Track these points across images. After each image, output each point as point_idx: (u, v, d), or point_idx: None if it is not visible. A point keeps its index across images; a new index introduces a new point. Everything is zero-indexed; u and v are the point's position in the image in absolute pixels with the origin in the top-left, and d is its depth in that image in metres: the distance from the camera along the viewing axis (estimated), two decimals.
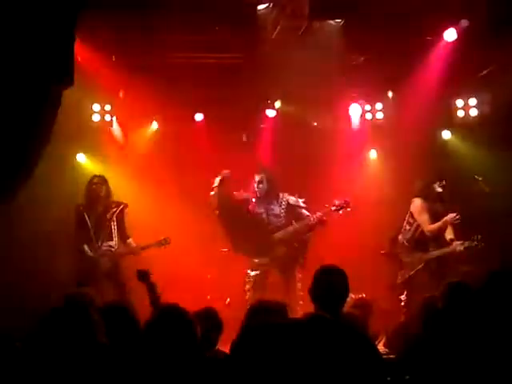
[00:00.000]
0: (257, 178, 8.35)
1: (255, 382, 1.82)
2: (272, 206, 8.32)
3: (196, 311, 3.80)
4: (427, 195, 7.98)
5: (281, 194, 8.35)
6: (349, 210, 8.20)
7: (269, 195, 8.33)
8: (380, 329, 6.38)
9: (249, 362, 1.85)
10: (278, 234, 8.21)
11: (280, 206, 8.32)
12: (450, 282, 4.83)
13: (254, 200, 8.40)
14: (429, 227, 7.93)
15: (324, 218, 8.18)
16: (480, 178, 8.14)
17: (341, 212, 8.16)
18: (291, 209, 8.29)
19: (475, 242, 7.65)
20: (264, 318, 3.91)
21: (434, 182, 7.97)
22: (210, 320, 4.65)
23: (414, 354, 4.20)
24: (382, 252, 8.38)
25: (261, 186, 8.32)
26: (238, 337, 1.82)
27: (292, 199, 8.34)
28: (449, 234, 7.94)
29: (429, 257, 7.90)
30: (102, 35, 8.21)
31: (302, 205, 8.32)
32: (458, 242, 7.78)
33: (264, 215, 8.31)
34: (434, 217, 7.95)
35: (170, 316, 3.01)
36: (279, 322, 1.88)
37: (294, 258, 8.20)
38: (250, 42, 8.52)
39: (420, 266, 7.91)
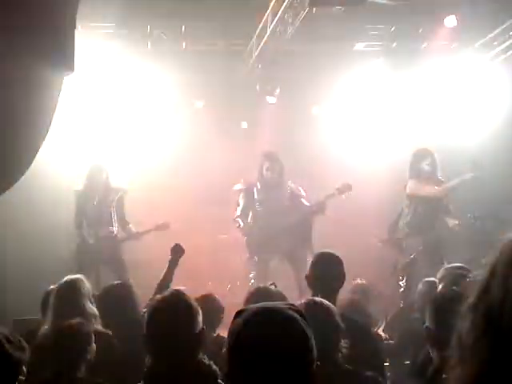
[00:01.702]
0: (266, 164, 8.20)
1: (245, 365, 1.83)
2: (277, 194, 8.20)
3: (197, 297, 3.83)
4: (418, 175, 7.96)
5: (285, 182, 8.28)
6: (350, 192, 8.15)
7: (277, 183, 8.21)
8: (379, 315, 6.43)
9: (236, 347, 1.87)
10: (281, 224, 8.16)
11: (284, 194, 8.26)
12: (449, 267, 4.86)
13: (258, 186, 8.32)
14: (440, 190, 7.87)
15: (323, 205, 8.14)
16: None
17: (344, 196, 8.11)
18: (294, 197, 8.25)
19: (472, 221, 7.69)
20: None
21: (420, 163, 7.95)
22: (211, 306, 4.70)
23: (413, 339, 4.24)
24: (383, 239, 8.37)
25: (269, 173, 8.19)
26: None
27: (294, 188, 8.29)
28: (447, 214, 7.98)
29: (427, 239, 7.93)
30: (101, 20, 8.21)
31: (303, 193, 8.30)
32: (455, 222, 7.83)
33: (268, 201, 8.21)
34: (428, 197, 7.92)
35: (172, 301, 3.04)
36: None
37: (300, 245, 8.06)
38: (251, 29, 8.51)
39: (419, 249, 7.92)
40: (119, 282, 5.58)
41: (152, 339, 2.97)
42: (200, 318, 2.99)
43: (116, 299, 4.81)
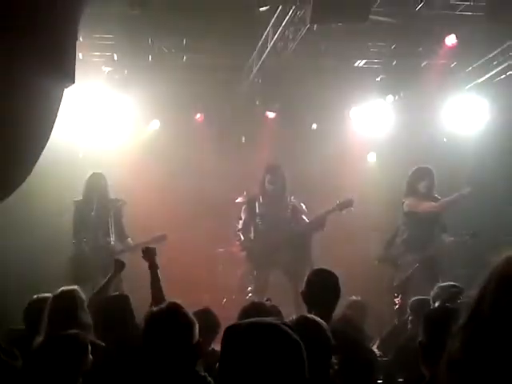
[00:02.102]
0: (268, 177, 8.18)
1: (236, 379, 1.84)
2: (278, 208, 8.18)
3: (194, 311, 3.84)
4: (414, 194, 7.99)
5: (288, 197, 8.26)
6: (352, 209, 8.13)
7: (279, 196, 8.19)
8: (374, 331, 6.42)
9: (227, 361, 1.88)
10: (282, 239, 8.15)
11: (286, 208, 8.24)
12: (443, 285, 4.87)
13: (260, 200, 8.30)
14: (436, 206, 7.90)
15: (323, 221, 8.14)
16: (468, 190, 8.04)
17: (343, 212, 8.11)
18: (295, 212, 8.24)
19: (466, 238, 7.70)
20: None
21: (417, 183, 7.98)
22: (207, 320, 4.70)
23: (406, 357, 4.23)
24: (379, 257, 8.36)
25: (271, 186, 8.17)
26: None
27: (297, 203, 8.28)
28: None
29: (423, 256, 7.93)
30: (101, 32, 8.25)
31: (304, 209, 8.29)
32: (451, 238, 7.85)
33: (270, 216, 8.19)
34: (425, 215, 7.94)
35: (169, 313, 3.05)
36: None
37: (299, 261, 7.99)
38: (251, 43, 8.55)
39: (415, 267, 7.92)
40: (116, 293, 5.59)
41: (149, 351, 2.98)
42: (196, 331, 3.01)
43: (113, 311, 4.81)
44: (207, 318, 4.73)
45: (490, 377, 1.14)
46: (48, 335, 4.30)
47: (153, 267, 5.07)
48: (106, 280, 5.57)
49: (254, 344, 1.81)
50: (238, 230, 8.38)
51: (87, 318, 4.58)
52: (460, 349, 1.20)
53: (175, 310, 3.05)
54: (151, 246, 5.39)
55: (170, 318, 3.01)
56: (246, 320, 1.96)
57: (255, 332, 1.85)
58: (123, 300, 5.03)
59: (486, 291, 1.19)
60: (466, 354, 1.18)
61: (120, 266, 5.86)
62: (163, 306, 3.14)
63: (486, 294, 1.19)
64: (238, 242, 8.47)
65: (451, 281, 5.21)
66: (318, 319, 3.39)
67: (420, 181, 7.97)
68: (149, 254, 5.16)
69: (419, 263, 7.84)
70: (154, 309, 3.23)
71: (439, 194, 8.06)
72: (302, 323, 3.26)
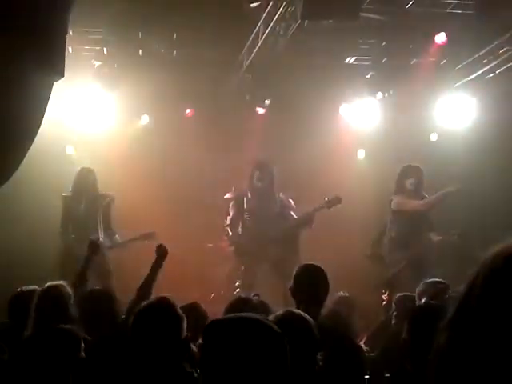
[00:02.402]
0: (256, 173, 8.20)
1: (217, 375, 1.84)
2: (267, 204, 8.21)
3: (182, 305, 3.84)
4: (402, 192, 8.05)
5: (276, 193, 8.28)
6: (339, 205, 8.16)
7: (267, 192, 8.21)
8: (361, 327, 6.44)
9: (209, 356, 1.88)
10: (270, 234, 8.15)
11: (275, 204, 8.25)
12: (428, 281, 4.89)
13: (249, 195, 8.29)
14: (424, 204, 7.98)
15: (311, 217, 8.15)
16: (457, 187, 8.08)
17: (331, 209, 8.13)
18: (284, 208, 8.25)
19: (453, 237, 7.75)
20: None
21: (405, 180, 8.03)
22: (196, 314, 4.70)
23: (393, 353, 4.25)
24: (367, 254, 8.39)
25: (260, 182, 8.19)
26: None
27: (285, 199, 8.30)
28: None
29: (411, 254, 7.97)
30: (92, 27, 8.22)
31: (293, 205, 8.30)
32: (439, 237, 7.89)
33: (258, 211, 8.21)
34: (409, 213, 8.01)
35: (158, 308, 3.05)
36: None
37: (287, 256, 7.96)
38: (241, 40, 8.54)
39: (402, 265, 7.96)
40: (98, 288, 5.58)
41: (137, 344, 2.98)
42: (185, 325, 3.01)
43: (95, 305, 4.81)
44: (196, 312, 4.73)
45: (477, 370, 1.14)
46: (37, 330, 4.29)
47: (156, 265, 5.06)
48: (81, 265, 5.49)
49: (235, 338, 1.81)
50: (226, 226, 8.39)
51: (74, 312, 4.58)
52: (447, 342, 1.20)
53: (165, 303, 3.06)
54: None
55: (159, 312, 3.01)
56: (228, 315, 1.96)
57: (237, 326, 1.85)
58: (108, 294, 5.04)
59: (474, 285, 1.20)
60: (453, 347, 1.19)
61: (94, 247, 5.78)
62: (152, 299, 3.14)
63: (474, 288, 1.20)
64: (225, 238, 8.46)
65: (438, 278, 5.23)
66: (304, 314, 3.40)
67: (408, 178, 8.02)
68: (161, 251, 5.17)
69: (407, 261, 7.88)
70: (144, 302, 3.23)
71: (428, 192, 8.10)
72: (288, 318, 3.27)
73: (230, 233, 8.34)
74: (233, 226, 8.33)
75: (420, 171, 8.05)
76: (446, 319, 1.23)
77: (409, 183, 8.00)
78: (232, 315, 1.97)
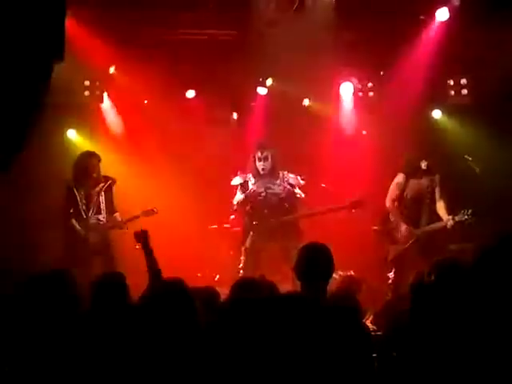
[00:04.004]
0: (261, 154, 8.15)
1: (228, 358, 1.82)
2: (272, 185, 8.17)
3: (195, 288, 3.78)
4: (411, 172, 8.07)
5: (281, 173, 8.25)
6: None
7: (270, 173, 8.17)
8: (368, 306, 6.44)
9: (221, 338, 1.86)
10: (276, 214, 8.09)
11: (280, 185, 8.21)
12: (438, 259, 4.86)
13: (252, 178, 8.25)
14: (387, 201, 8.11)
15: (331, 210, 8.16)
16: (470, 158, 8.14)
17: (353, 211, 8.14)
18: (291, 188, 8.23)
19: (466, 216, 7.71)
20: (247, 294, 3.92)
21: (420, 160, 8.03)
22: (209, 296, 4.67)
23: (401, 331, 4.24)
24: (375, 228, 8.38)
25: (265, 163, 8.14)
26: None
27: (292, 178, 8.26)
28: (441, 209, 8.00)
29: (419, 232, 7.95)
30: (93, 10, 8.16)
31: (302, 183, 8.27)
32: (449, 217, 7.84)
33: (264, 194, 8.17)
34: (418, 192, 8.04)
35: (171, 289, 3.03)
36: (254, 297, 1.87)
37: (293, 236, 7.94)
38: (242, 19, 8.48)
39: (411, 242, 7.96)
40: (111, 272, 5.57)
41: (151, 326, 2.96)
42: (194, 306, 2.99)
43: (109, 289, 4.79)
44: (208, 295, 4.70)
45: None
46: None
47: (145, 250, 4.99)
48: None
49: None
50: (234, 207, 8.37)
51: (78, 298, 4.56)
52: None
53: (177, 285, 3.04)
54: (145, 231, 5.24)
55: (171, 294, 2.99)
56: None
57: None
58: (119, 277, 5.02)
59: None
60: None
61: (141, 237, 5.56)
62: (166, 282, 3.11)
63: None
64: (233, 218, 8.42)
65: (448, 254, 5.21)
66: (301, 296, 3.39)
67: (423, 158, 8.02)
68: (139, 237, 5.09)
69: (415, 239, 7.89)
70: (157, 285, 3.21)
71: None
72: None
73: (236, 214, 8.31)
74: (240, 207, 8.31)
75: (429, 156, 8.07)
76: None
77: (424, 164, 8.01)
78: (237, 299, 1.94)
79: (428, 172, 8.06)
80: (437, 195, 8.05)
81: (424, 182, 8.07)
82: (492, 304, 3.30)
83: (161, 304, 2.99)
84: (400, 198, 8.14)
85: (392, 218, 8.17)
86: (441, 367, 3.41)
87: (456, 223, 7.79)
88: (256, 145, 8.33)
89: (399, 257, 7.98)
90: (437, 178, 8.07)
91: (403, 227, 8.01)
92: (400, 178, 8.12)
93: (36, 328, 3.94)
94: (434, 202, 8.05)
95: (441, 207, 8.01)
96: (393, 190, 8.16)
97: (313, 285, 4.01)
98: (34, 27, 4.66)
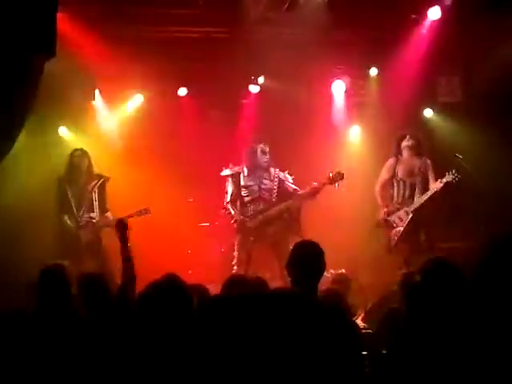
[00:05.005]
0: (262, 147, 8.21)
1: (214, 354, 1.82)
2: (264, 180, 8.22)
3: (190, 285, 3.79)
4: (399, 151, 8.30)
5: (272, 169, 8.30)
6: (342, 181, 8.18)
7: (262, 168, 8.23)
8: (359, 304, 6.46)
9: (207, 335, 1.86)
10: (269, 212, 8.14)
11: (272, 180, 8.24)
12: (430, 258, 4.87)
13: (246, 170, 8.28)
14: (376, 185, 8.41)
15: (316, 188, 8.15)
16: (460, 157, 8.17)
17: (336, 185, 8.15)
18: (282, 184, 8.25)
19: (452, 176, 7.82)
20: (237, 291, 3.93)
21: (404, 137, 8.26)
22: (202, 295, 4.68)
23: (391, 329, 4.25)
24: (379, 220, 8.45)
25: (256, 159, 8.19)
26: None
27: (282, 175, 8.30)
28: (432, 184, 8.16)
29: (413, 207, 8.12)
30: (85, 6, 8.13)
31: (291, 181, 8.30)
32: (437, 181, 7.97)
33: (256, 188, 8.21)
34: (410, 171, 8.22)
35: (166, 285, 3.03)
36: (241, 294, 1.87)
37: (287, 236, 7.97)
38: (234, 17, 8.47)
39: (409, 218, 8.09)
40: (94, 272, 5.58)
41: (146, 322, 2.96)
42: (193, 302, 2.99)
43: (88, 288, 4.80)
44: (201, 293, 4.71)
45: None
46: (40, 308, 4.29)
47: (122, 239, 4.97)
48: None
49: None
50: (227, 203, 8.36)
51: (74, 291, 4.56)
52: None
53: (172, 281, 3.03)
54: (127, 218, 5.28)
55: (166, 289, 2.98)
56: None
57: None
58: (103, 276, 5.05)
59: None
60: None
61: (121, 226, 5.62)
62: (161, 277, 3.10)
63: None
64: (227, 214, 8.40)
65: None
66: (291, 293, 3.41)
67: (403, 137, 8.26)
68: (120, 226, 5.08)
69: (412, 214, 8.07)
70: (153, 282, 3.19)
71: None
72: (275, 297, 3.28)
73: (232, 210, 8.30)
74: (233, 203, 8.31)
75: (415, 134, 8.29)
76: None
77: (407, 141, 8.22)
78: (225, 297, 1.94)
79: (416, 150, 8.23)
80: (430, 179, 8.15)
81: (415, 161, 8.25)
82: (487, 304, 3.30)
83: (159, 301, 2.99)
84: (391, 181, 8.33)
85: (379, 202, 8.36)
86: (432, 365, 3.42)
87: (445, 185, 7.92)
88: (257, 138, 8.36)
89: (402, 236, 8.11)
90: (428, 161, 8.19)
91: (400, 211, 8.17)
92: (390, 161, 8.34)
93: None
94: (427, 183, 8.17)
95: (432, 182, 8.18)
96: (382, 175, 8.40)
97: (304, 283, 4.02)
98: (26, 23, 4.65)
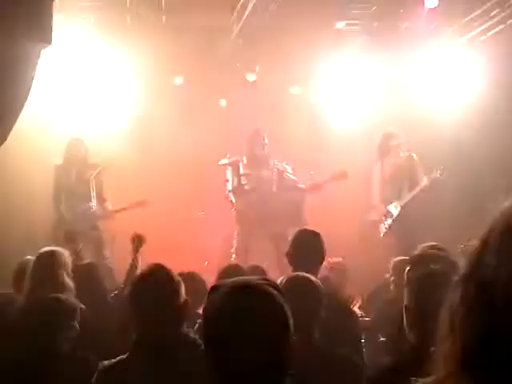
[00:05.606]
0: (252, 140, 8.26)
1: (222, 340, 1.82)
2: (263, 171, 8.21)
3: (180, 273, 3.82)
4: (385, 151, 8.44)
5: (271, 160, 8.28)
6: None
7: (261, 158, 8.23)
8: (356, 292, 6.48)
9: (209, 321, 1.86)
10: (270, 205, 8.12)
11: (271, 170, 8.23)
12: (424, 246, 4.88)
13: (244, 161, 8.27)
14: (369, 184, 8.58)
15: (319, 185, 8.19)
16: (439, 172, 8.19)
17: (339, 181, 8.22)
18: (281, 175, 8.24)
19: (439, 172, 7.90)
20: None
21: (391, 137, 8.41)
22: (195, 282, 4.70)
23: (388, 316, 4.27)
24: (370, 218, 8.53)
25: (255, 149, 8.22)
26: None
27: (280, 165, 8.29)
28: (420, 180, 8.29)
29: (403, 201, 8.23)
30: None
31: (290, 171, 8.29)
32: (424, 177, 8.12)
33: (255, 177, 8.19)
34: (397, 171, 8.32)
35: (154, 273, 3.05)
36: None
37: (289, 224, 7.86)
38: (231, 5, 8.43)
39: (398, 212, 8.19)
40: (87, 261, 5.62)
41: (136, 311, 2.97)
42: (182, 291, 3.00)
43: (82, 277, 4.84)
44: (195, 280, 4.74)
45: (494, 328, 1.11)
46: (29, 297, 4.29)
47: (135, 251, 5.19)
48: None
49: (240, 303, 1.80)
50: (229, 192, 8.35)
51: (69, 280, 4.57)
52: (462, 302, 1.16)
53: (160, 269, 3.04)
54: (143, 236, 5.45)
55: (155, 278, 3.00)
56: (231, 279, 1.94)
57: (242, 291, 1.83)
58: (91, 267, 5.12)
59: (489, 241, 1.16)
60: (469, 307, 1.15)
61: (69, 237, 5.95)
62: (148, 266, 3.12)
63: (488, 244, 1.15)
64: (230, 202, 8.39)
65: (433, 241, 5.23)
66: (311, 277, 3.44)
67: (390, 138, 8.39)
68: (137, 239, 5.27)
69: (401, 208, 8.19)
70: (139, 271, 3.23)
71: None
72: (295, 280, 3.31)
73: (233, 199, 8.29)
74: (234, 191, 8.30)
75: (390, 135, 8.42)
76: (460, 277, 1.19)
77: (394, 142, 8.38)
78: (235, 279, 1.94)
79: (403, 148, 8.35)
80: (419, 175, 8.19)
81: (401, 160, 8.32)
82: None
83: (143, 288, 3.00)
84: (381, 182, 8.44)
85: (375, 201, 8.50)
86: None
87: (431, 181, 8.04)
88: (255, 131, 8.40)
89: (389, 229, 8.21)
90: (415, 157, 8.22)
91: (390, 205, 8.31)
92: (378, 160, 8.49)
93: None
94: (415, 181, 8.23)
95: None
96: (373, 173, 8.56)
97: (304, 270, 4.03)
98: (23, 12, 4.63)
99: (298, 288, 3.29)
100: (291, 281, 3.37)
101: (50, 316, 3.73)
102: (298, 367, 1.85)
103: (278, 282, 3.30)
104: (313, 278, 3.48)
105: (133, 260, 5.23)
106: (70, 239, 5.72)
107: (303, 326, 3.11)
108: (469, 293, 1.16)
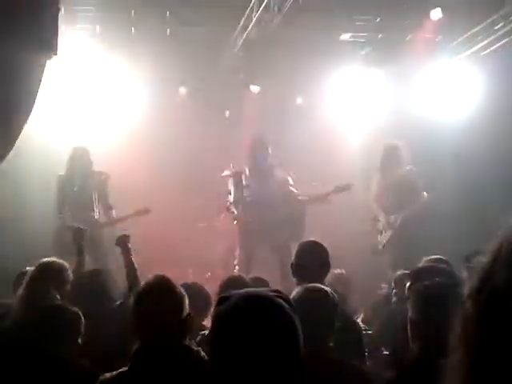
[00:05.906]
0: (255, 151, 8.20)
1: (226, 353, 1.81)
2: (265, 183, 8.15)
3: (183, 284, 3.80)
4: (386, 162, 8.48)
5: (275, 171, 8.25)
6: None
7: (264, 169, 8.19)
8: (359, 305, 6.46)
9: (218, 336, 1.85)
10: (272, 216, 8.10)
11: (274, 182, 8.17)
12: (428, 259, 4.88)
13: (247, 172, 8.26)
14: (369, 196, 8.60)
15: (321, 197, 8.20)
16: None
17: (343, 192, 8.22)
18: (282, 187, 8.22)
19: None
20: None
21: (394, 149, 8.45)
22: (199, 293, 4.68)
23: (391, 329, 4.25)
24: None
25: (258, 160, 8.17)
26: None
27: (284, 177, 8.26)
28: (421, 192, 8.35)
29: (403, 213, 8.23)
30: (85, 7, 8.13)
31: (291, 182, 8.27)
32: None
33: (258, 189, 8.15)
34: (397, 182, 8.30)
35: (157, 286, 3.03)
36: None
37: (291, 235, 7.83)
38: (235, 17, 8.46)
39: (398, 224, 8.24)
40: (94, 269, 5.59)
41: (139, 324, 2.96)
42: (186, 304, 2.99)
43: (89, 286, 4.82)
44: (198, 291, 4.72)
45: (505, 341, 1.10)
46: (26, 304, 4.29)
47: (125, 252, 5.06)
48: (76, 256, 5.59)
49: (250, 316, 1.78)
50: (230, 204, 8.32)
51: (66, 289, 4.57)
52: (473, 315, 1.15)
53: (163, 282, 3.03)
54: (127, 236, 5.37)
55: (158, 291, 2.99)
56: (241, 291, 1.92)
57: (252, 303, 1.81)
58: (100, 275, 5.08)
59: (500, 254, 1.15)
60: (480, 319, 1.14)
61: (79, 235, 5.86)
62: (152, 278, 3.11)
63: (499, 257, 1.15)
64: (231, 213, 8.36)
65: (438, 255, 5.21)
66: (327, 289, 3.44)
67: (390, 149, 8.45)
68: (120, 241, 5.19)
69: (401, 220, 8.20)
70: (143, 283, 3.21)
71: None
72: (311, 292, 3.31)
73: (235, 211, 8.26)
74: (236, 203, 8.27)
75: (392, 146, 8.40)
76: (470, 291, 1.19)
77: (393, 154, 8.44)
78: (245, 291, 1.92)
79: (404, 159, 8.37)
80: (419, 188, 8.23)
81: (402, 171, 8.32)
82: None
83: (147, 301, 3.00)
84: (381, 194, 8.44)
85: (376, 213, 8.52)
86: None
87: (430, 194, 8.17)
88: (252, 141, 8.34)
89: (391, 239, 8.20)
90: (414, 169, 8.30)
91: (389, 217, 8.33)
92: (378, 172, 8.52)
93: None
94: (416, 193, 8.26)
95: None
96: (373, 185, 8.59)
97: (309, 282, 4.02)
98: (28, 22, 4.64)
99: (313, 300, 3.28)
100: (307, 292, 3.35)
101: (52, 324, 3.72)
102: (312, 378, 1.83)
103: (294, 293, 3.30)
104: (327, 289, 3.47)
105: (128, 264, 5.03)
106: (78, 237, 5.63)
107: (319, 337, 3.09)
108: (481, 305, 1.15)
